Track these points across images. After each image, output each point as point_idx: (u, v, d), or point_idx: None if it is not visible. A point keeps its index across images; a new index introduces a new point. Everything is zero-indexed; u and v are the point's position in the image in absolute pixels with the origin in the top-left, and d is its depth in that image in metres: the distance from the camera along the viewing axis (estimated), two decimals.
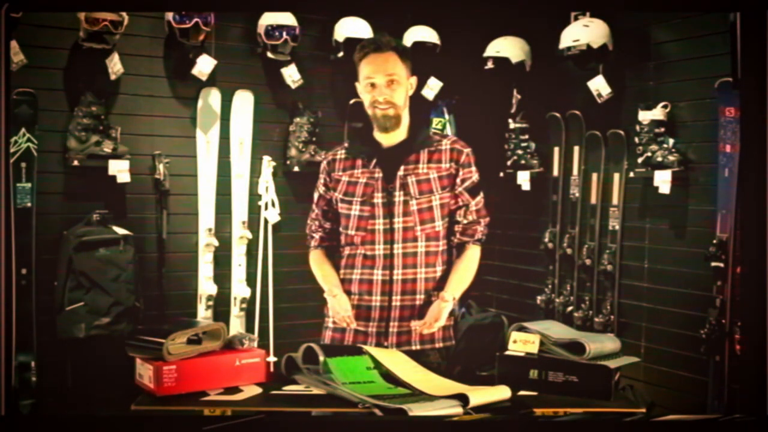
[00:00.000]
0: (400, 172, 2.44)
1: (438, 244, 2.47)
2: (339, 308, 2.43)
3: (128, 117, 3.75)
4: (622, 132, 3.75)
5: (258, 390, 2.18)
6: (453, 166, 2.46)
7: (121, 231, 3.60)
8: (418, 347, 2.44)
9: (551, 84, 4.11)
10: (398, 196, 2.43)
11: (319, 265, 2.60)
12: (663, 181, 3.47)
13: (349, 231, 2.48)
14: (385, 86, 2.39)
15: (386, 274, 2.44)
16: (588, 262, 3.92)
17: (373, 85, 2.40)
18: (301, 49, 4.05)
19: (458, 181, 2.47)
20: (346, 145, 2.59)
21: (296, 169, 4.05)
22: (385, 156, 2.46)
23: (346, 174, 2.50)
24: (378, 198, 2.44)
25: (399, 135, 2.47)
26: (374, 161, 2.46)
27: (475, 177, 2.50)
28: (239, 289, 4.03)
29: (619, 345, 2.30)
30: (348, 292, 2.47)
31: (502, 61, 4.07)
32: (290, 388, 2.18)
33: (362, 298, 2.46)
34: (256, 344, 2.31)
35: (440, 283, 2.47)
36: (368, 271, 2.45)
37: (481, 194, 2.53)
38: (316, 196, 2.60)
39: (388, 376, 2.17)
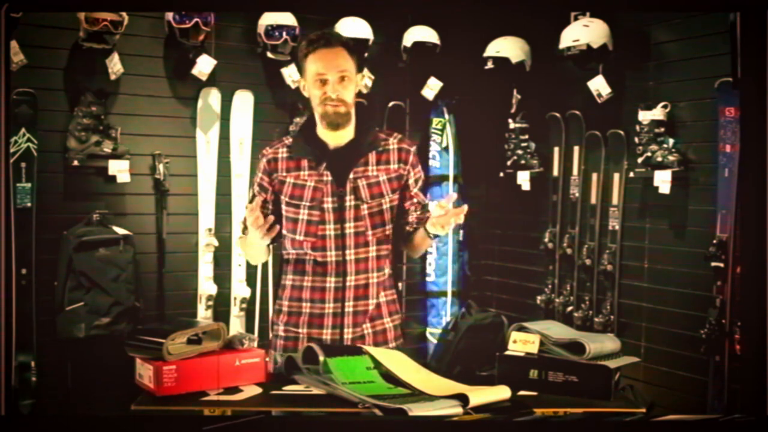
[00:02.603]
0: (351, 175, 2.34)
1: (388, 247, 2.41)
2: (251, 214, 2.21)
3: (128, 117, 3.75)
4: (622, 132, 3.74)
5: (258, 390, 2.17)
6: (402, 167, 2.40)
7: (121, 231, 3.61)
8: None
9: (551, 84, 4.10)
10: (349, 201, 2.34)
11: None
12: (663, 181, 3.47)
13: (298, 236, 2.36)
14: (336, 82, 2.27)
15: (339, 281, 2.35)
16: (588, 262, 3.92)
17: (324, 81, 2.28)
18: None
19: (411, 182, 2.42)
20: (287, 142, 2.41)
21: None
22: (334, 158, 2.35)
23: (291, 176, 2.36)
24: (328, 203, 2.33)
25: (346, 135, 2.36)
26: (324, 164, 2.34)
27: (422, 174, 2.49)
28: (239, 289, 4.03)
29: (619, 345, 2.30)
30: (299, 299, 2.39)
31: (502, 61, 4.07)
32: (290, 388, 2.17)
33: (314, 305, 2.38)
34: (256, 344, 2.30)
35: (389, 283, 2.43)
36: (320, 279, 2.36)
37: (428, 193, 2.52)
38: (253, 194, 2.44)
39: (388, 376, 2.17)
